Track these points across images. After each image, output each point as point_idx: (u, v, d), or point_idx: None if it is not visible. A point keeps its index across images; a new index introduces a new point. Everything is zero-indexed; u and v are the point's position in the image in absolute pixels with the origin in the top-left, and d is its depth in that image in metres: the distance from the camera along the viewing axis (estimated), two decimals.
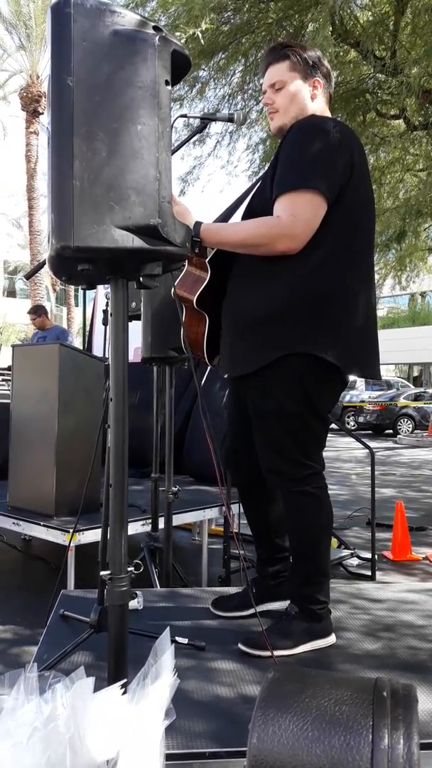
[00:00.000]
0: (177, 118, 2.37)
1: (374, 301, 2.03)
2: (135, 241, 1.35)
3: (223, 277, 2.04)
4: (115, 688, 1.15)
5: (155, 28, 1.39)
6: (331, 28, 6.14)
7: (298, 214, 1.82)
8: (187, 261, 2.02)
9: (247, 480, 2.20)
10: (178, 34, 5.43)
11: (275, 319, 1.89)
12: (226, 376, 2.12)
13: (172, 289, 2.08)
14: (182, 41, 5.30)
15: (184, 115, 2.39)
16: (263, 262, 1.90)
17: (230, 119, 2.17)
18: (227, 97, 7.43)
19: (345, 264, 1.91)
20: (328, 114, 2.06)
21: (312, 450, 2.00)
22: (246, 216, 2.01)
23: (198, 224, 1.86)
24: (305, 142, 1.86)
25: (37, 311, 7.08)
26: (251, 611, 2.15)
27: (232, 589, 2.59)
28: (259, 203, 1.96)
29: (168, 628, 1.37)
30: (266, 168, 2.06)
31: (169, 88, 1.40)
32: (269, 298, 1.90)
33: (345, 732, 0.85)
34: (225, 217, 2.15)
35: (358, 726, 0.86)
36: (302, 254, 1.85)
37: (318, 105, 2.03)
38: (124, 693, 1.16)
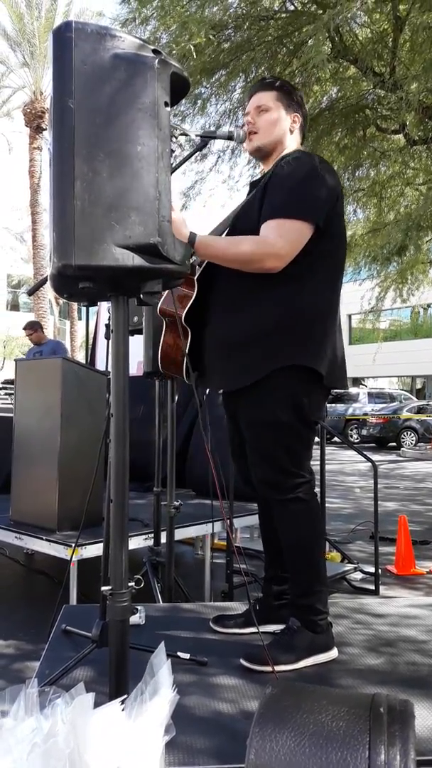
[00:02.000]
0: (177, 136, 2.40)
1: (339, 318, 2.18)
2: (135, 260, 1.37)
3: (205, 292, 2.11)
4: (115, 704, 1.15)
5: (154, 51, 1.42)
6: (330, 45, 6.22)
7: (288, 238, 1.94)
8: None
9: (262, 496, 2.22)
10: (176, 50, 5.50)
11: (271, 333, 1.98)
12: (220, 391, 2.19)
13: (159, 307, 2.13)
14: (182, 57, 5.38)
15: (185, 133, 2.42)
16: (252, 280, 1.98)
17: (230, 137, 2.20)
18: (228, 112, 7.49)
19: (325, 285, 2.05)
20: (302, 148, 2.20)
21: (303, 459, 2.07)
22: (230, 234, 2.12)
23: (193, 235, 1.93)
24: (299, 173, 2.00)
25: (33, 326, 7.14)
26: (251, 630, 2.16)
27: (234, 605, 2.59)
28: (245, 225, 2.05)
29: (163, 643, 1.37)
30: (253, 192, 2.17)
31: (169, 109, 1.43)
32: (262, 315, 1.99)
33: (342, 748, 0.86)
34: (219, 230, 2.20)
35: (355, 742, 0.86)
36: (290, 275, 1.96)
37: (295, 138, 2.18)
38: (124, 709, 1.16)
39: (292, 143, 2.16)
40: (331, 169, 2.07)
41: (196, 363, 2.13)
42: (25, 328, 7.25)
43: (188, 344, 2.11)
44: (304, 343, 1.99)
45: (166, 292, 2.12)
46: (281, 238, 1.93)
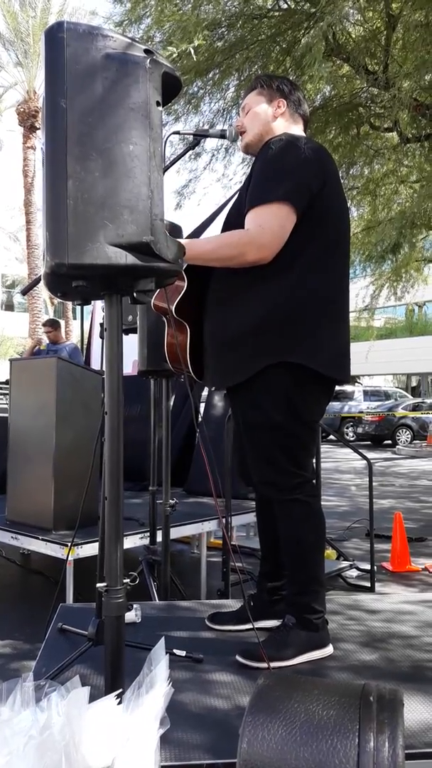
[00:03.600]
0: (170, 134, 2.42)
1: (348, 308, 2.11)
2: (128, 258, 1.38)
3: (204, 286, 2.09)
4: (111, 698, 1.16)
5: (146, 51, 1.42)
6: (324, 43, 6.23)
7: (265, 225, 1.89)
8: None
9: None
10: (171, 49, 5.51)
11: (259, 330, 1.94)
12: (213, 389, 2.16)
13: (151, 302, 2.11)
14: (176, 57, 5.39)
15: (178, 132, 2.44)
16: (242, 274, 1.95)
17: (222, 135, 2.22)
18: (222, 111, 7.51)
19: (323, 274, 1.98)
20: (295, 129, 2.15)
21: (301, 459, 2.03)
22: (224, 230, 2.09)
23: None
24: (275, 157, 1.96)
25: (54, 325, 7.29)
26: (247, 626, 2.16)
27: (230, 602, 2.60)
28: (236, 217, 2.03)
29: (162, 639, 1.38)
30: (243, 184, 2.15)
31: (161, 108, 1.44)
32: (251, 310, 1.96)
33: (332, 735, 0.87)
34: (197, 232, 2.19)
35: (345, 730, 0.88)
36: (281, 266, 1.92)
37: (280, 123, 2.13)
38: (119, 702, 1.17)
39: (279, 129, 2.11)
40: (318, 150, 2.00)
41: (200, 360, 2.12)
42: (45, 325, 7.44)
43: (188, 339, 2.09)
44: (293, 337, 1.93)
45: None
46: (260, 227, 1.89)
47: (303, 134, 2.17)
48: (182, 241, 1.95)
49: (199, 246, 1.97)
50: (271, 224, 1.89)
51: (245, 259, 1.91)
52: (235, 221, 2.03)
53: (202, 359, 2.13)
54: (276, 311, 1.94)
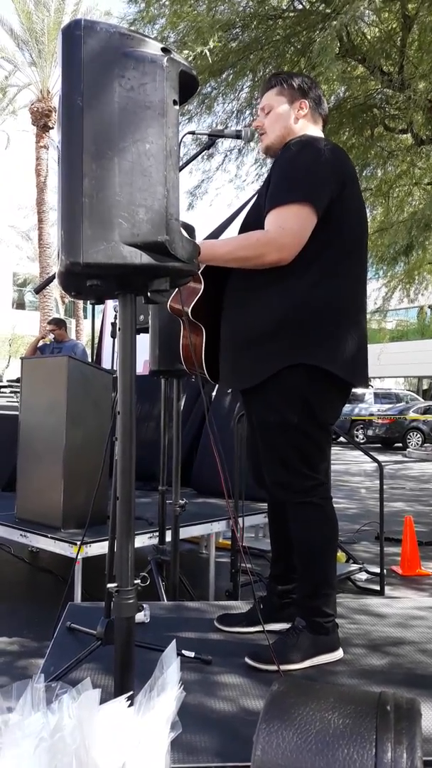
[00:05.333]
0: (185, 135, 2.41)
1: (365, 312, 2.09)
2: (143, 258, 1.37)
3: (221, 288, 2.07)
4: (121, 700, 1.16)
5: (164, 49, 1.42)
6: (339, 44, 6.21)
7: (285, 226, 1.88)
8: None
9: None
10: (186, 52, 5.51)
11: (276, 332, 1.93)
12: (229, 390, 2.16)
13: (168, 304, 2.10)
14: (190, 59, 5.39)
15: (193, 132, 2.43)
16: (260, 275, 1.94)
17: (237, 136, 2.21)
18: (235, 112, 7.50)
19: (341, 277, 1.97)
20: (314, 130, 2.13)
21: (316, 461, 2.02)
22: (242, 231, 2.08)
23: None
24: (295, 158, 1.95)
25: (58, 323, 7.32)
26: (257, 628, 2.16)
27: (239, 604, 2.59)
28: (255, 219, 2.01)
29: (174, 641, 1.37)
30: (262, 185, 2.14)
31: (177, 107, 1.43)
32: (269, 312, 1.94)
33: (348, 745, 0.86)
34: (216, 233, 2.18)
35: (362, 739, 0.86)
36: (299, 268, 1.91)
37: (303, 125, 2.11)
38: (131, 705, 1.17)
39: (300, 130, 2.09)
40: (338, 152, 1.99)
41: (215, 361, 2.11)
42: (50, 323, 7.43)
43: (204, 341, 2.08)
44: (310, 340, 1.92)
45: (176, 289, 2.10)
46: (279, 228, 1.88)
47: (322, 134, 2.15)
48: (201, 241, 1.95)
49: (218, 247, 1.96)
50: (291, 225, 1.88)
51: (264, 260, 1.90)
52: (254, 222, 2.01)
53: (217, 361, 2.12)
54: (294, 313, 1.93)
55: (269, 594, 2.27)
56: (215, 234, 2.16)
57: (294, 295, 1.93)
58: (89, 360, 7.19)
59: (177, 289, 2.08)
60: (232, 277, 2.04)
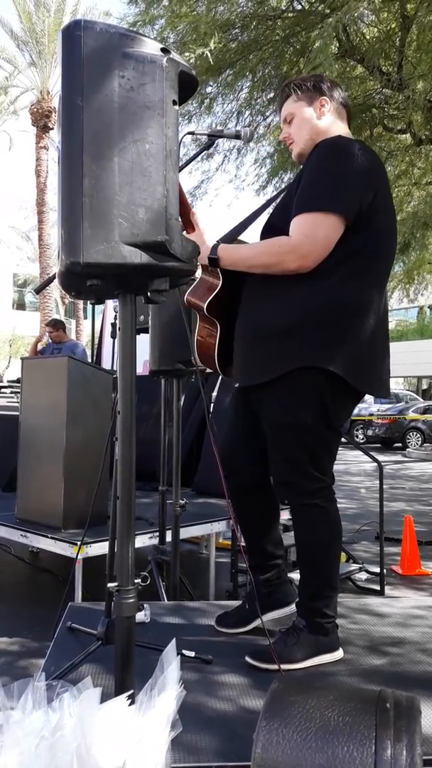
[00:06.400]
0: (185, 135, 2.41)
1: (387, 321, 2.05)
2: (143, 257, 1.37)
3: (238, 285, 2.06)
4: (122, 699, 1.16)
5: (163, 50, 1.42)
6: (338, 44, 6.22)
7: (310, 234, 1.85)
8: (201, 269, 2.06)
9: (244, 487, 2.18)
10: (187, 54, 5.51)
11: (292, 331, 1.91)
12: (237, 385, 2.15)
13: (185, 297, 2.10)
14: (190, 59, 5.39)
15: (192, 133, 2.43)
16: (279, 276, 1.92)
17: (237, 136, 2.21)
18: (235, 112, 7.50)
19: (364, 285, 1.93)
20: (341, 125, 2.08)
21: (324, 463, 2.01)
22: (265, 230, 2.05)
23: (215, 246, 1.93)
24: (327, 163, 1.90)
25: (56, 325, 7.25)
26: (251, 626, 2.18)
27: (239, 603, 2.59)
28: (281, 218, 1.98)
29: (174, 640, 1.37)
30: (291, 182, 2.12)
31: (177, 107, 1.43)
32: (287, 310, 1.92)
33: (348, 743, 0.86)
34: (236, 233, 2.16)
35: (362, 737, 0.87)
36: (326, 270, 1.88)
37: (326, 121, 2.06)
38: (131, 704, 1.17)
39: (327, 126, 2.04)
40: (372, 159, 1.94)
41: (228, 358, 2.10)
42: (48, 325, 7.37)
43: (218, 337, 2.07)
44: (327, 343, 1.89)
45: (194, 282, 2.09)
46: (304, 236, 1.85)
47: (348, 129, 2.10)
48: (227, 246, 1.95)
49: (240, 252, 1.96)
50: (316, 234, 1.85)
51: (285, 267, 1.88)
52: (278, 222, 1.98)
53: (229, 357, 2.11)
54: (312, 314, 1.89)
55: (256, 586, 2.24)
56: (234, 234, 2.13)
57: (311, 298, 1.89)
58: (89, 360, 7.17)
59: (195, 282, 2.07)
60: (251, 275, 2.01)
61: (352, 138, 2.06)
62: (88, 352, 7.88)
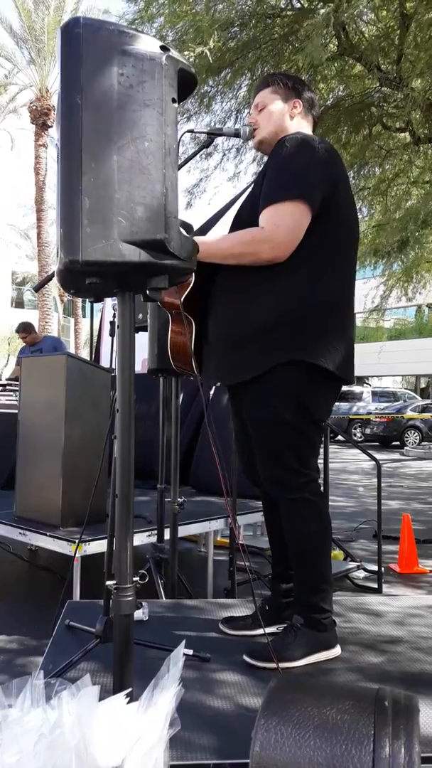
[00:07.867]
0: (184, 133, 2.41)
1: (354, 310, 2.12)
2: (142, 255, 1.37)
3: (209, 282, 2.08)
4: (120, 697, 1.16)
5: (162, 47, 1.42)
6: (336, 43, 6.21)
7: (280, 223, 1.90)
8: None
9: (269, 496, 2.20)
10: (186, 53, 5.50)
11: (271, 328, 1.94)
12: (218, 384, 2.16)
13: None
14: (189, 58, 5.39)
15: (191, 131, 2.43)
16: (254, 272, 1.95)
17: (236, 134, 2.21)
18: (234, 110, 7.49)
19: (334, 276, 1.99)
20: (307, 131, 2.16)
21: (308, 457, 2.03)
22: (234, 223, 2.09)
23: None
24: (290, 155, 1.96)
25: (27, 329, 6.89)
26: (260, 632, 2.15)
27: (236, 601, 2.59)
28: (250, 213, 2.03)
29: (184, 641, 1.37)
30: (255, 178, 2.16)
31: (176, 105, 1.43)
32: (264, 308, 1.95)
33: (346, 741, 0.86)
34: (206, 227, 2.18)
35: (360, 735, 0.87)
36: (294, 265, 1.92)
37: (296, 123, 2.14)
38: (129, 702, 1.17)
39: (293, 128, 2.12)
40: (331, 152, 2.02)
41: (201, 356, 2.11)
42: (18, 331, 6.99)
43: (193, 335, 2.08)
44: (304, 336, 1.93)
45: None
46: (275, 226, 1.90)
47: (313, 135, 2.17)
48: (195, 238, 1.94)
49: (212, 244, 1.96)
50: (287, 222, 1.90)
51: (260, 257, 1.91)
52: (247, 216, 2.03)
53: (201, 355, 2.12)
54: (289, 310, 1.94)
55: (274, 594, 2.26)
56: (205, 228, 2.15)
57: (289, 291, 1.94)
58: (66, 347, 6.96)
59: None
60: (223, 273, 2.04)
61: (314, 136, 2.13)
62: (87, 351, 7.87)
